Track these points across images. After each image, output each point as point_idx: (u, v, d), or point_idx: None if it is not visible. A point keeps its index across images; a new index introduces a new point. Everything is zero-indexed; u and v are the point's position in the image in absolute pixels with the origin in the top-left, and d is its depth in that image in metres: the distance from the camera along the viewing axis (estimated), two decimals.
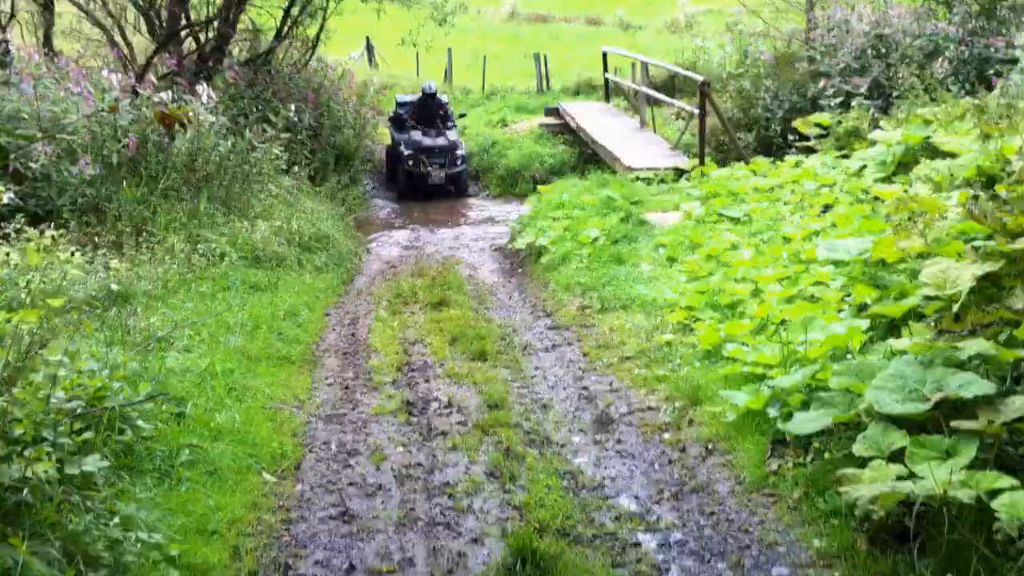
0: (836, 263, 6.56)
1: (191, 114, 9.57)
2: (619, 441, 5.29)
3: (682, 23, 30.30)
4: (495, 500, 4.72)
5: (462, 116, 17.18)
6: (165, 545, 3.91)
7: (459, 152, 15.49)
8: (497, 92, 22.15)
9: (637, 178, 12.00)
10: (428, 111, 15.76)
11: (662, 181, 11.91)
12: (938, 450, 3.99)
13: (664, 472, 4.94)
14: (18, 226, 7.04)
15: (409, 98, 16.64)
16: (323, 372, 6.73)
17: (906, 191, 7.45)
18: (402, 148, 15.29)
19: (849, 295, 5.96)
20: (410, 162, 15.08)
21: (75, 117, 8.53)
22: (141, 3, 13.14)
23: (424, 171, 15.05)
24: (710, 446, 5.09)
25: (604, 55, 19.29)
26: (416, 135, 15.35)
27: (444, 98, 16.61)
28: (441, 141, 15.35)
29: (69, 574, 3.52)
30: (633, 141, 14.58)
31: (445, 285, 8.95)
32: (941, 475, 3.75)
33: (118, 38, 12.91)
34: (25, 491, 3.83)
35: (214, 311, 7.09)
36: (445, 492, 4.80)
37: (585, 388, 6.13)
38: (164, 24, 13.04)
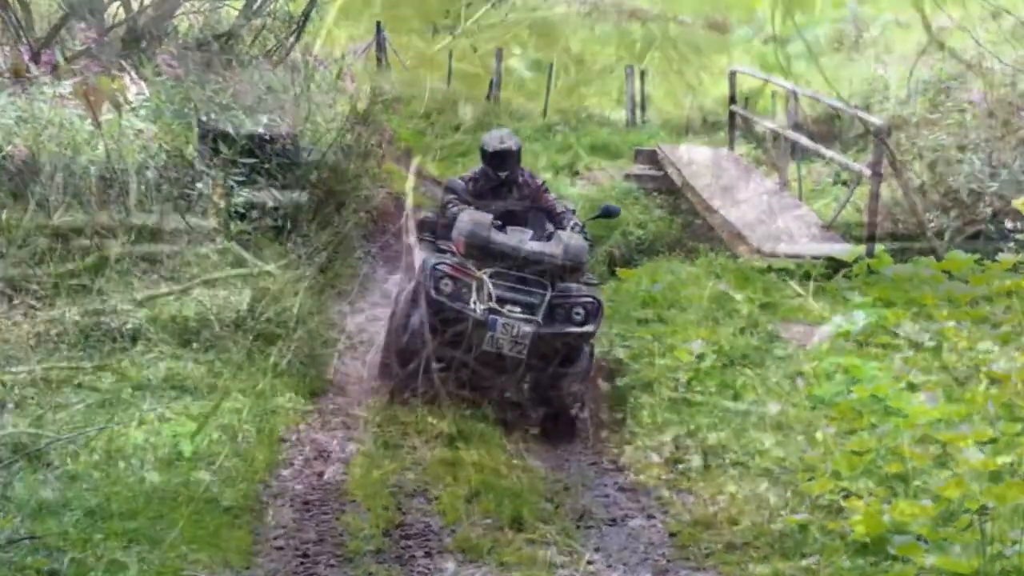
0: None
1: (125, 97, 9.74)
2: None
3: (851, 38, 30.58)
4: None
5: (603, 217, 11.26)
6: None
7: (588, 294, 9.53)
8: (566, 120, 22.17)
9: (770, 268, 12.05)
10: (501, 189, 10.31)
11: (807, 276, 11.91)
12: None
13: None
14: None
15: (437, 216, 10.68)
16: (271, 528, 6.72)
17: None
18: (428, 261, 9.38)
19: None
20: (442, 280, 9.29)
21: None
22: None
23: (474, 310, 9.08)
24: None
25: (732, 76, 19.53)
26: (474, 215, 9.67)
27: (538, 180, 10.70)
28: (550, 248, 9.48)
29: None
30: (767, 212, 14.66)
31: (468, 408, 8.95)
32: None
33: None
34: None
35: (116, 420, 7.15)
36: None
37: None
38: None
